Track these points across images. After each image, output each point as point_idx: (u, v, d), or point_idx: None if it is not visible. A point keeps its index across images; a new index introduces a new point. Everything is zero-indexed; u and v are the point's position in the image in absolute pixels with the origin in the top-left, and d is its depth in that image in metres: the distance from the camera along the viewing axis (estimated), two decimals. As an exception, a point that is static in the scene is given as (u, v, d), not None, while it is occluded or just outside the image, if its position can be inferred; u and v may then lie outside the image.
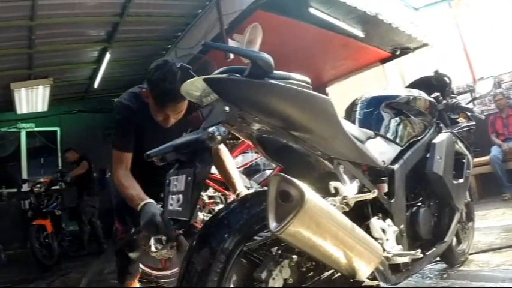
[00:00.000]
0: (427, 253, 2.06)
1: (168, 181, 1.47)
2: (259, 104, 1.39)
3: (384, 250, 1.63)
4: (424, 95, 2.44)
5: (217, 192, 3.44)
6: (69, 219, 8.26)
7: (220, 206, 3.32)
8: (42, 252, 6.29)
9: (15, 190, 8.27)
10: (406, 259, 1.76)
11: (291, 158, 1.65)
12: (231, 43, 5.51)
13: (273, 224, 1.20)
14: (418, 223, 2.02)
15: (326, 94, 9.33)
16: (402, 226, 1.86)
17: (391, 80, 8.59)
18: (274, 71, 1.42)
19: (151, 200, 2.02)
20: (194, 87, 1.44)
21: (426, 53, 8.11)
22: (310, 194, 1.21)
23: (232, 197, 3.41)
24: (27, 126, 9.85)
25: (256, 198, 1.47)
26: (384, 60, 8.70)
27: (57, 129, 10.36)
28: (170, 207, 1.39)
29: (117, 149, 2.28)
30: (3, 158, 9.47)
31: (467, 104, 2.97)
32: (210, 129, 1.25)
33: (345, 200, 1.48)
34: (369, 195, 1.57)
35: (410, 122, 2.21)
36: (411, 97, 2.31)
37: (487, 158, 6.39)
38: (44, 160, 10.18)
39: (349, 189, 1.54)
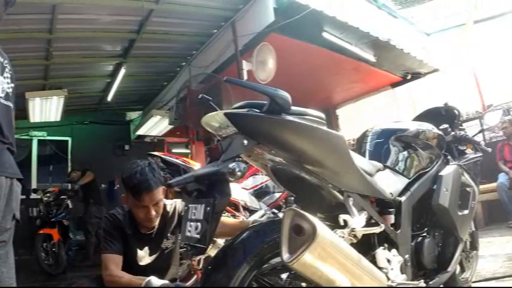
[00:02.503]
0: (430, 282, 2.11)
1: (186, 208, 1.56)
2: (276, 139, 1.48)
3: (388, 279, 1.69)
4: (433, 128, 2.50)
5: (227, 213, 3.51)
6: (76, 228, 8.33)
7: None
8: (49, 261, 6.35)
9: (24, 197, 8.34)
10: (409, 288, 1.82)
11: (303, 188, 1.74)
12: (245, 65, 5.61)
13: (285, 255, 1.28)
14: (422, 253, 2.07)
15: (336, 116, 9.43)
16: (407, 256, 1.92)
17: (401, 104, 8.67)
18: (292, 107, 1.51)
19: (152, 276, 2.18)
20: (214, 119, 1.54)
21: (437, 79, 8.18)
22: (321, 228, 1.29)
23: (241, 218, 3.50)
24: (39, 134, 9.98)
25: (269, 227, 1.55)
26: (394, 85, 8.78)
27: (69, 139, 10.47)
28: (188, 234, 1.46)
29: (105, 252, 2.39)
30: (14, 164, 9.54)
31: (474, 135, 3.04)
32: (230, 165, 1.34)
33: (353, 232, 1.56)
34: (376, 229, 1.65)
35: (418, 155, 2.27)
36: (420, 130, 2.38)
37: (494, 184, 6.41)
38: (54, 168, 10.29)
39: (358, 221, 1.61)
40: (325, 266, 1.32)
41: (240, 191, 3.81)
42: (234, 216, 3.50)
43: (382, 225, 1.69)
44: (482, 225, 6.22)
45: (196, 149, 7.58)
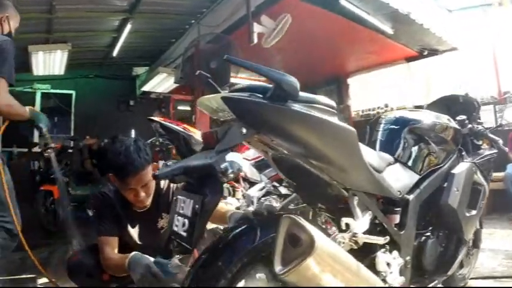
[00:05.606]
0: (429, 285, 2.01)
1: (175, 198, 1.43)
2: (279, 129, 1.33)
3: (386, 283, 1.61)
4: (450, 121, 2.35)
5: (226, 184, 3.38)
6: (76, 184, 8.30)
7: (229, 198, 3.27)
8: (48, 218, 6.34)
9: (25, 150, 8.32)
10: (406, 291, 1.71)
11: (304, 178, 1.59)
12: (256, 27, 5.38)
13: (278, 267, 1.16)
14: (424, 255, 1.97)
15: (347, 85, 9.30)
16: (408, 258, 1.80)
17: (415, 79, 8.42)
18: (300, 93, 1.35)
19: (137, 252, 2.06)
20: (210, 102, 1.38)
21: (454, 57, 7.90)
22: (320, 241, 1.15)
23: (240, 190, 3.37)
24: (43, 87, 9.83)
25: (266, 224, 1.42)
26: (409, 59, 8.52)
27: (73, 92, 10.35)
28: (175, 228, 1.33)
29: (101, 235, 2.28)
30: (16, 117, 9.46)
31: (491, 129, 2.88)
32: (223, 165, 1.20)
33: (354, 238, 1.43)
34: (380, 241, 1.52)
35: (432, 150, 2.12)
36: (437, 124, 2.22)
37: (501, 174, 6.25)
38: (57, 121, 10.17)
39: (361, 224, 1.48)
40: (321, 280, 1.20)
41: (241, 161, 3.67)
42: (233, 187, 3.38)
43: (387, 237, 1.56)
44: (486, 213, 6.11)
45: (200, 113, 7.42)
